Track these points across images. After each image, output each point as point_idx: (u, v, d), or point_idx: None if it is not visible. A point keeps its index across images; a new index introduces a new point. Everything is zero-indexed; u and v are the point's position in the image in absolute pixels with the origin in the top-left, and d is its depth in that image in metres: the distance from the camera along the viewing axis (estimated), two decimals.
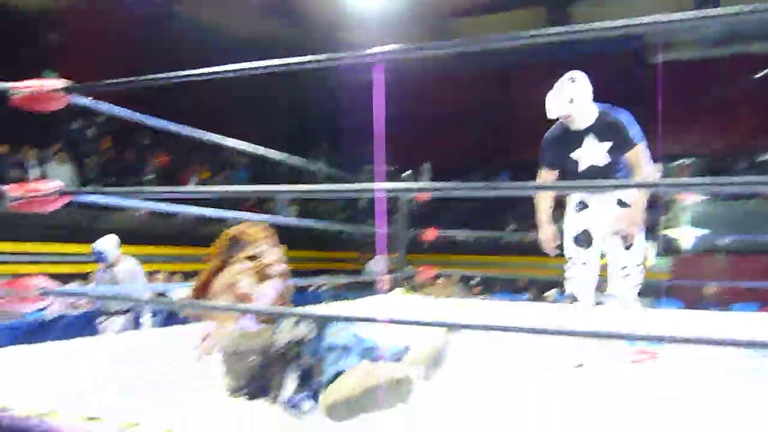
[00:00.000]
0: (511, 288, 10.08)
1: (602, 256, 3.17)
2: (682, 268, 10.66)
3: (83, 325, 5.05)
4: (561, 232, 3.19)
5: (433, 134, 14.71)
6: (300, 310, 2.17)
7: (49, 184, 2.09)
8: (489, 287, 9.89)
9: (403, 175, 5.52)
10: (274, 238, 2.35)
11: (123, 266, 5.19)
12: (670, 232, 10.16)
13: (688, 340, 1.89)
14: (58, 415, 1.64)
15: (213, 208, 3.75)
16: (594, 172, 3.03)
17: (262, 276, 2.24)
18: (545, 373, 2.66)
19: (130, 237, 8.92)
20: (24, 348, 2.81)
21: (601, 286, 3.36)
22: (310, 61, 1.96)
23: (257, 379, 1.96)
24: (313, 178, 13.98)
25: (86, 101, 2.30)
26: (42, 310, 4.67)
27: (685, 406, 2.20)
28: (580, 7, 12.76)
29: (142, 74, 2.21)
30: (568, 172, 3.13)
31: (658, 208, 11.63)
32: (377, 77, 2.45)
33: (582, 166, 3.05)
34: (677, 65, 12.83)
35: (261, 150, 3.72)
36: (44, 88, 2.12)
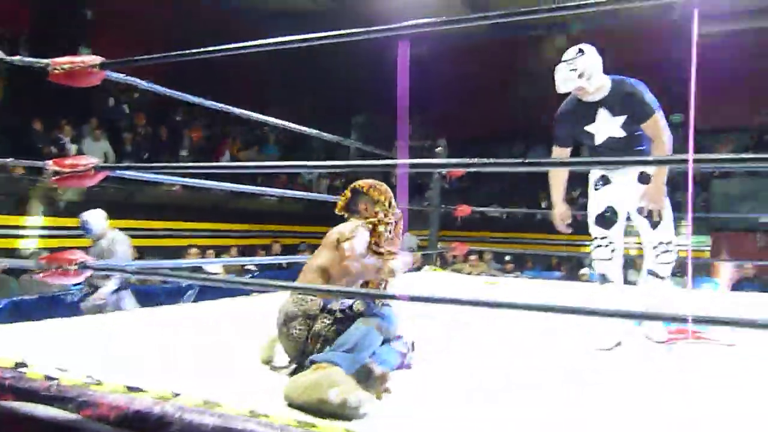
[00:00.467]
0: (544, 265, 10.01)
1: (635, 233, 3.10)
2: (720, 247, 10.45)
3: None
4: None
5: (466, 107, 14.56)
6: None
7: (86, 160, 2.12)
8: (521, 264, 9.83)
9: (437, 150, 5.46)
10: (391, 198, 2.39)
11: (107, 238, 5.08)
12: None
13: (714, 321, 1.85)
14: (103, 385, 1.68)
15: (245, 185, 3.77)
16: (613, 144, 2.93)
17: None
18: (577, 354, 2.63)
19: (163, 211, 9.13)
20: (63, 320, 2.89)
21: (636, 263, 3.29)
22: (335, 36, 1.95)
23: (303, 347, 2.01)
24: (347, 152, 14.00)
25: (121, 77, 2.32)
26: (80, 284, 4.77)
27: (710, 389, 2.16)
28: None
29: (175, 50, 2.22)
30: (587, 144, 3.04)
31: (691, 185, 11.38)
32: (402, 52, 2.42)
33: (599, 139, 2.95)
34: (715, 37, 12.42)
35: (293, 125, 3.73)
36: (82, 64, 2.15)
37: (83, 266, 2.06)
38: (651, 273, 3.02)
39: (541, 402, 1.88)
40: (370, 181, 2.41)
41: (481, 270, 8.04)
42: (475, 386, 2.01)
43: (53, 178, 2.11)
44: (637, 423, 1.74)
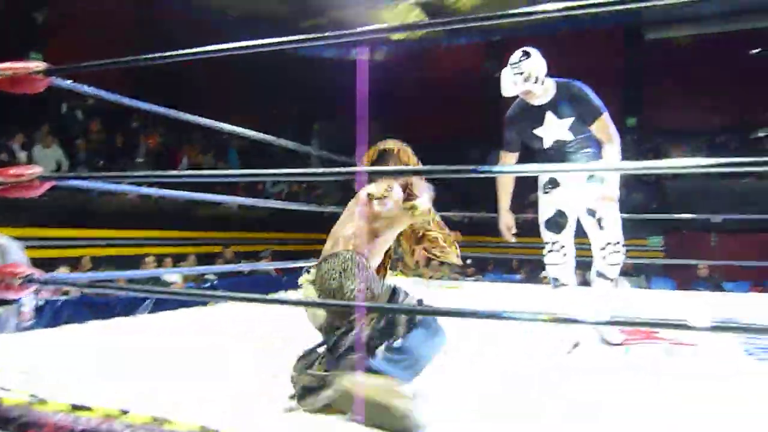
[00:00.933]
0: (505, 268, 10.09)
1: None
2: (675, 247, 10.70)
3: (76, 310, 5.02)
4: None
5: (427, 112, 14.62)
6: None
7: (30, 170, 2.04)
8: (482, 268, 9.90)
9: None
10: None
11: None
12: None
13: (662, 324, 1.88)
14: (48, 404, 1.62)
15: (203, 192, 3.71)
16: (561, 147, 2.94)
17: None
18: (534, 358, 2.64)
19: (118, 219, 8.90)
20: (6, 336, 2.78)
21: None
22: (294, 41, 1.92)
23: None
24: (308, 158, 13.92)
25: (68, 84, 2.24)
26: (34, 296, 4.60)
27: (669, 389, 2.19)
28: None
29: (134, 55, 2.15)
30: (535, 149, 3.03)
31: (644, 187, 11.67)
32: (360, 56, 2.41)
33: (547, 142, 2.96)
34: (671, 42, 12.78)
35: (252, 133, 3.67)
36: (24, 70, 2.06)
37: (29, 280, 1.97)
38: (600, 275, 3.01)
39: (510, 407, 1.88)
40: (398, 142, 2.35)
41: (443, 274, 8.06)
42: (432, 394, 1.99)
43: None
44: (603, 424, 1.75)
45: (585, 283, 3.42)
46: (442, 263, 8.49)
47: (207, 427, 1.49)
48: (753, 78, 12.09)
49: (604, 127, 2.86)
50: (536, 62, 2.84)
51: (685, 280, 8.80)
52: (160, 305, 5.05)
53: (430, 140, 14.02)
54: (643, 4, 1.54)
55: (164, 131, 11.70)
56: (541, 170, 2.45)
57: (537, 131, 2.96)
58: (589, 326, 2.95)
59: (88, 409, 1.57)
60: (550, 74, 2.91)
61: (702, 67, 12.31)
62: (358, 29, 1.87)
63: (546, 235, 3.04)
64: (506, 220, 3.12)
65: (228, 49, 2.01)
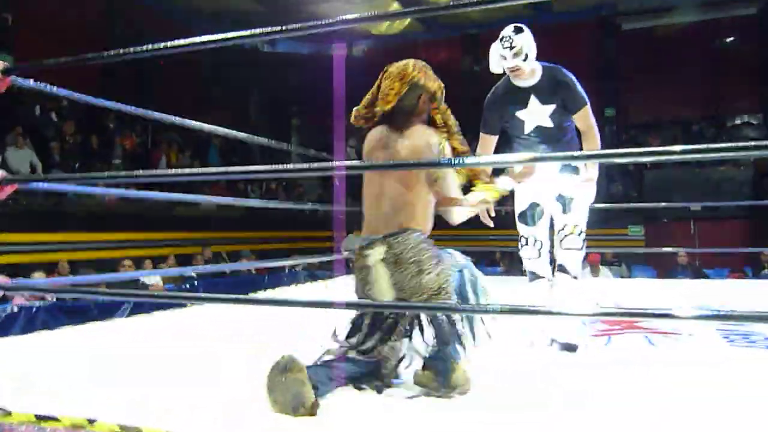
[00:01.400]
0: (486, 261, 10.11)
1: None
2: (655, 236, 10.80)
3: (52, 315, 4.91)
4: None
5: None
6: None
7: None
8: None
9: None
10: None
11: None
12: None
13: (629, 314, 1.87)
14: (12, 415, 1.56)
15: (181, 193, 3.64)
16: (540, 134, 2.84)
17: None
18: (510, 351, 2.63)
19: (94, 222, 8.76)
20: None
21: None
22: (267, 33, 1.87)
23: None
24: (288, 154, 13.81)
25: (30, 83, 2.17)
26: (5, 302, 4.52)
27: (652, 379, 2.19)
28: None
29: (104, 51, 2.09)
30: (514, 133, 2.92)
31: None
32: (337, 51, 2.36)
33: (527, 128, 2.85)
34: (647, 33, 12.87)
35: (227, 131, 3.61)
36: None
37: None
38: (561, 269, 2.85)
39: (497, 400, 1.86)
40: (419, 63, 2.18)
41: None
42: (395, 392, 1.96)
43: None
44: (587, 417, 1.73)
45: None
46: None
47: None
48: (727, 67, 12.23)
49: (587, 117, 2.78)
50: (528, 38, 2.74)
51: (666, 268, 8.89)
52: (138, 308, 4.96)
53: None
54: None
55: (141, 131, 11.55)
56: (516, 161, 2.38)
57: (519, 114, 2.84)
58: (547, 328, 2.83)
59: (55, 419, 1.52)
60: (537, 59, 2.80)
61: (677, 57, 12.41)
62: (333, 20, 1.83)
63: (521, 228, 2.96)
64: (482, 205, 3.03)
65: (197, 44, 1.96)
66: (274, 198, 12.20)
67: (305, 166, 1.89)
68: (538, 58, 2.77)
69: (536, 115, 2.82)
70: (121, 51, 2.02)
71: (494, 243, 10.39)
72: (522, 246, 2.95)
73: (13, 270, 6.34)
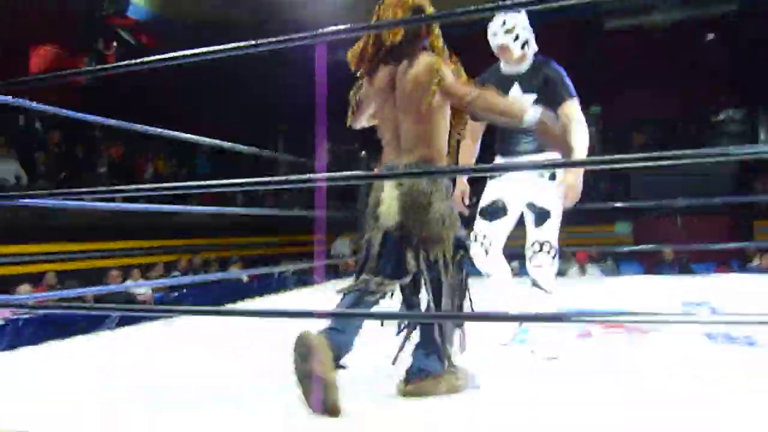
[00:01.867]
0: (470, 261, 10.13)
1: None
2: (642, 232, 10.87)
3: (38, 328, 4.87)
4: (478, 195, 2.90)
5: None
6: None
7: None
8: None
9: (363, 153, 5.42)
10: None
11: None
12: None
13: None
14: None
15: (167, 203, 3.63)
16: (519, 127, 2.58)
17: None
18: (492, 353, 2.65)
19: (80, 232, 8.69)
20: None
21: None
22: (249, 46, 1.90)
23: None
24: (275, 160, 13.77)
25: (8, 99, 2.17)
26: None
27: (632, 377, 2.21)
28: None
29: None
30: (496, 127, 2.76)
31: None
32: (319, 57, 2.36)
33: None
34: (630, 31, 12.94)
35: (210, 141, 3.62)
36: None
37: None
38: (534, 284, 2.72)
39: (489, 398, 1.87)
40: None
41: None
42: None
43: None
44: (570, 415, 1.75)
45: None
46: None
47: None
48: (710, 64, 12.32)
49: (572, 112, 2.66)
50: (524, 21, 2.69)
51: (653, 264, 8.95)
52: (127, 319, 4.92)
53: None
54: None
55: (127, 140, 11.48)
56: (499, 168, 2.40)
57: None
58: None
59: None
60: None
61: (660, 54, 12.49)
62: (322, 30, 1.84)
63: (476, 223, 2.82)
64: (462, 189, 2.93)
65: (181, 57, 1.97)
66: (261, 203, 12.17)
67: (284, 178, 1.91)
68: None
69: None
70: (100, 67, 2.03)
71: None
72: (472, 242, 2.77)
73: None
